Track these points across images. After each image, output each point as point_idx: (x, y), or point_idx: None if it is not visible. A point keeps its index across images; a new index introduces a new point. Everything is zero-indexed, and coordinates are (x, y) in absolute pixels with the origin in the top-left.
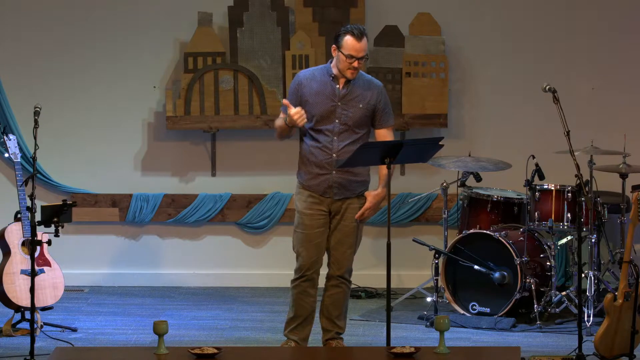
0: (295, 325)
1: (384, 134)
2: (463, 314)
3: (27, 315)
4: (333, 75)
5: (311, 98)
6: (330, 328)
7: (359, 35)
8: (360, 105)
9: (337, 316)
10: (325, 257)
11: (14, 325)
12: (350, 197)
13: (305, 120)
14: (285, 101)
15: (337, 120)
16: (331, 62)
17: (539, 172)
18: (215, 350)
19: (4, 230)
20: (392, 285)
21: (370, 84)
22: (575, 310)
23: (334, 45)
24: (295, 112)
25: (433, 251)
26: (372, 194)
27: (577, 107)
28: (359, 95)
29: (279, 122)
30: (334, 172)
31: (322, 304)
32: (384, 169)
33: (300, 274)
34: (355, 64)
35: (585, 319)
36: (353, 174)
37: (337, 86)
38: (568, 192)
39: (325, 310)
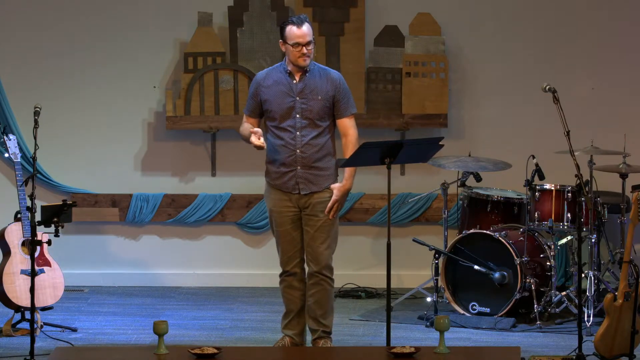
0: (288, 320)
1: (346, 124)
2: (463, 314)
3: (27, 315)
4: (289, 71)
5: (270, 97)
6: (316, 327)
7: (299, 23)
8: (319, 97)
9: (321, 315)
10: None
11: (14, 325)
12: (317, 192)
13: (262, 143)
14: (254, 131)
15: (297, 115)
16: (285, 60)
17: (539, 172)
18: (215, 350)
19: (4, 230)
20: (392, 285)
21: (327, 75)
22: (575, 310)
23: (280, 41)
24: (256, 141)
25: (433, 251)
26: (338, 186)
27: (577, 107)
28: (316, 87)
29: (244, 132)
30: (299, 167)
31: (306, 304)
32: None
33: (282, 270)
34: (304, 50)
35: (585, 319)
36: (319, 169)
37: (294, 81)
38: (568, 192)
39: (310, 310)
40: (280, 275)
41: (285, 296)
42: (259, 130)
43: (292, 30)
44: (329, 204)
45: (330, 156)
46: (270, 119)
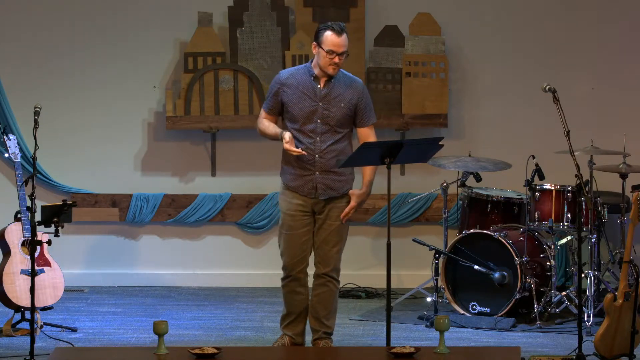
0: (289, 321)
1: (367, 133)
2: (463, 314)
3: (27, 315)
4: (314, 75)
5: (292, 98)
6: (318, 328)
7: (339, 31)
8: (342, 105)
9: (324, 316)
10: (312, 257)
11: (14, 325)
12: (336, 197)
13: (300, 151)
14: (288, 136)
15: (318, 121)
16: (312, 62)
17: (539, 172)
18: (215, 350)
19: (4, 230)
20: (392, 285)
21: (352, 83)
22: (575, 310)
23: (314, 43)
24: (290, 147)
25: (433, 251)
26: (357, 194)
27: (577, 107)
28: (340, 94)
29: (269, 128)
30: (317, 172)
31: (310, 303)
32: (366, 171)
33: (286, 274)
34: (336, 59)
35: (585, 319)
36: (337, 174)
37: (318, 86)
38: (568, 192)
39: (313, 309)
40: (283, 279)
41: (287, 300)
42: (289, 134)
43: (331, 36)
44: (345, 210)
45: None
46: (291, 120)
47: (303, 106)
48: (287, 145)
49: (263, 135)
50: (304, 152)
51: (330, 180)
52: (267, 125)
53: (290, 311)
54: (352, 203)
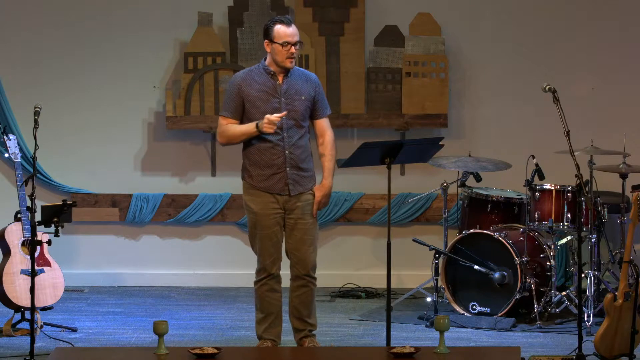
0: (267, 324)
1: (324, 124)
2: (463, 314)
3: (27, 315)
4: (272, 73)
5: (254, 98)
6: (302, 327)
7: (288, 22)
8: (303, 98)
9: (307, 315)
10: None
11: (14, 325)
12: (304, 193)
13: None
14: (276, 117)
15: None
16: (265, 60)
17: (539, 172)
18: (215, 350)
19: (4, 230)
20: (392, 285)
21: (307, 77)
22: (575, 310)
23: (266, 41)
24: (275, 117)
25: (433, 251)
26: (319, 187)
27: (577, 107)
28: (299, 88)
29: (238, 128)
30: (288, 168)
31: (290, 304)
32: (326, 162)
33: (265, 274)
34: (292, 49)
35: (585, 319)
36: (304, 170)
37: (277, 82)
38: (568, 192)
39: (295, 310)
40: (262, 279)
41: (266, 300)
42: (268, 115)
43: (282, 29)
44: (315, 206)
45: (311, 157)
46: (252, 120)
47: (266, 104)
48: (273, 117)
49: (231, 141)
50: (285, 112)
51: (299, 177)
52: (234, 127)
53: (269, 312)
54: (317, 197)
